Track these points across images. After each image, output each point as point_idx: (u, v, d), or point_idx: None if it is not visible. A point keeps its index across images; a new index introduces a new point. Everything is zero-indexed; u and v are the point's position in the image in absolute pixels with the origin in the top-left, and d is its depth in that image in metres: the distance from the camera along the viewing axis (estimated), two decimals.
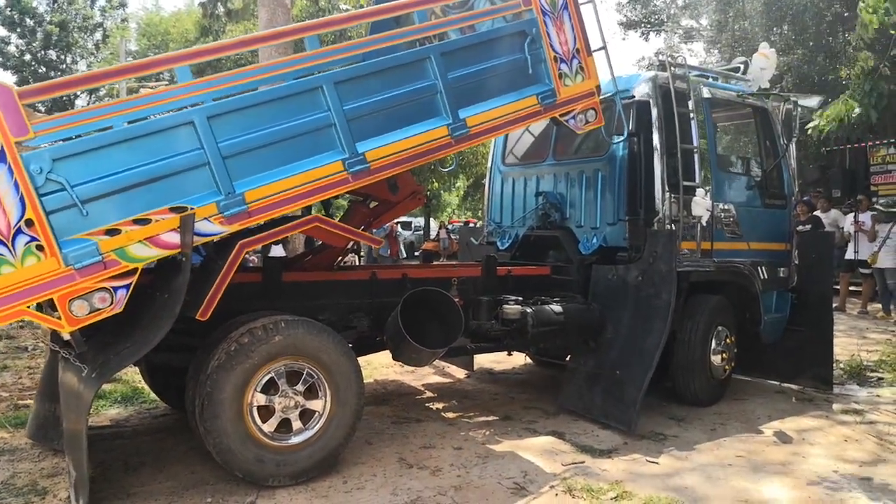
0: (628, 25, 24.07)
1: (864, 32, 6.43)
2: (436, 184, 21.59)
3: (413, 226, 28.54)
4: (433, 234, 26.55)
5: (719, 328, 5.83)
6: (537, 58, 4.66)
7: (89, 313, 3.36)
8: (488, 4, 4.87)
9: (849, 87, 5.16)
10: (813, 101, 6.88)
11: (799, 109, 6.18)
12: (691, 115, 5.64)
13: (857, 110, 5.09)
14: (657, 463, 4.50)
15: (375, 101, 4.10)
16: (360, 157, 4.00)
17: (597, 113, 4.92)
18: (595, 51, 4.94)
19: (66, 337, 3.56)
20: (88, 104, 27.01)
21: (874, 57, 5.21)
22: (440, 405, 5.86)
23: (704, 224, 5.59)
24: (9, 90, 3.23)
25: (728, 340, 5.89)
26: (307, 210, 4.26)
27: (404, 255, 19.09)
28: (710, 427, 5.29)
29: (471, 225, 21.78)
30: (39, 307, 3.42)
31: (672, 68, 5.63)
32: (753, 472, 4.38)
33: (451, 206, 36.08)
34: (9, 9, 29.73)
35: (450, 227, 26.31)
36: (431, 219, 29.29)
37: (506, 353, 6.17)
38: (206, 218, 3.59)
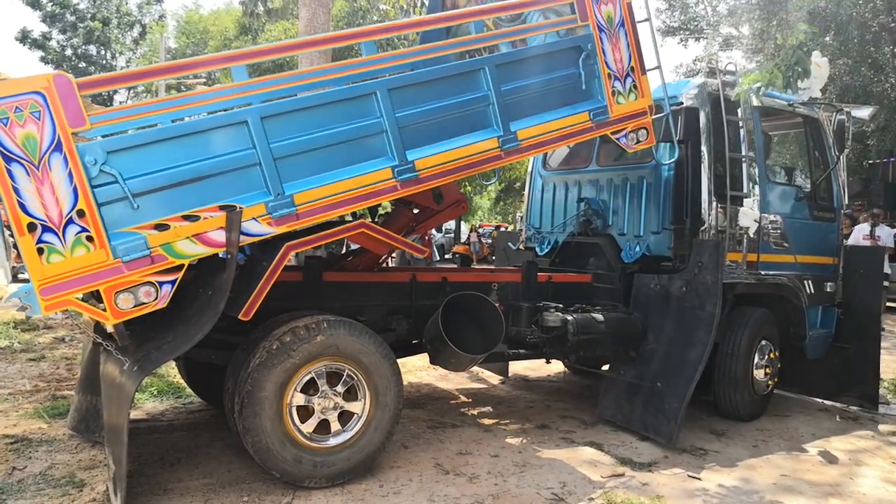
0: (666, 32, 23.78)
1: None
2: (468, 187, 21.53)
3: (444, 228, 28.48)
4: (464, 237, 26.49)
5: (763, 342, 5.68)
6: (591, 74, 4.60)
7: (134, 307, 3.37)
8: (542, 18, 4.81)
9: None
10: (865, 112, 6.69)
11: (852, 120, 5.99)
12: (740, 123, 5.51)
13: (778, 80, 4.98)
14: (699, 479, 4.38)
15: (427, 109, 4.06)
16: (410, 165, 3.96)
17: (648, 132, 4.83)
18: (649, 70, 4.86)
19: (110, 329, 3.58)
20: (127, 101, 27.57)
21: (810, 31, 5.13)
22: (475, 411, 5.79)
23: (751, 235, 5.45)
24: (69, 80, 3.26)
25: (772, 355, 5.74)
26: (353, 215, 4.23)
27: (437, 258, 19.07)
28: (752, 443, 5.15)
29: (502, 229, 21.68)
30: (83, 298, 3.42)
31: (722, 75, 5.51)
32: (799, 493, 4.24)
33: (481, 209, 35.98)
34: (50, 3, 30.41)
35: (480, 230, 26.22)
36: (462, 222, 29.26)
37: (540, 359, 6.06)
38: (254, 218, 3.58)
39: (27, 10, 31.91)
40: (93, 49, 32.35)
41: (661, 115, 5.00)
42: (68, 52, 31.76)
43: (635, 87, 4.74)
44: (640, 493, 4.09)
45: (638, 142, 4.82)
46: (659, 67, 5.00)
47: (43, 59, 31.06)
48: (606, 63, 4.62)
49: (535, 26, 4.78)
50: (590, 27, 4.59)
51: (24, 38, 30.50)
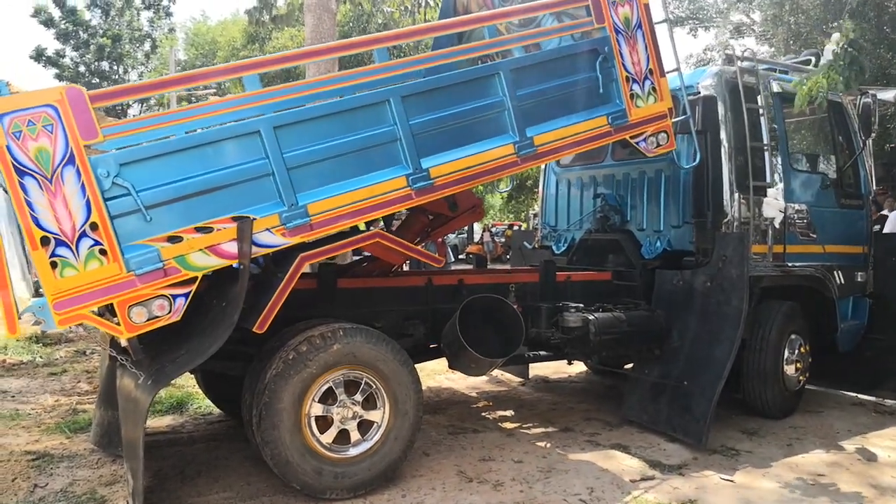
0: (675, 22, 23.49)
1: None
2: (480, 187, 21.41)
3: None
4: (476, 237, 26.37)
5: (793, 336, 5.52)
6: (609, 77, 4.49)
7: (148, 320, 3.32)
8: (556, 22, 4.71)
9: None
10: (890, 94, 6.47)
11: (877, 103, 5.80)
12: (761, 110, 5.36)
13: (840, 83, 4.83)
14: (732, 481, 4.24)
15: (441, 116, 3.98)
16: (425, 172, 3.88)
17: (668, 136, 4.71)
18: (669, 72, 4.75)
19: (124, 343, 3.54)
20: (139, 114, 27.79)
21: (857, 27, 4.94)
22: (497, 414, 5.68)
23: (777, 226, 5.29)
24: (81, 93, 3.23)
25: (802, 349, 5.57)
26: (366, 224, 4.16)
27: (452, 260, 18.96)
28: (785, 442, 4.99)
29: (515, 228, 21.51)
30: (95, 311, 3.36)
31: (740, 62, 5.36)
32: (840, 495, 4.09)
33: (493, 208, 35.80)
34: (63, 21, 30.74)
35: (493, 229, 26.06)
36: (479, 220, 29.09)
37: (562, 360, 5.94)
38: (267, 229, 3.52)
39: (41, 29, 32.21)
40: (105, 65, 32.63)
41: (682, 118, 4.87)
42: (81, 68, 32.04)
43: (654, 89, 4.62)
44: (671, 497, 3.96)
45: (658, 145, 4.70)
46: (678, 69, 4.89)
47: (58, 77, 31.34)
48: (624, 66, 4.52)
49: (550, 30, 4.69)
50: (606, 30, 4.49)
51: (38, 56, 30.83)
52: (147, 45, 34.06)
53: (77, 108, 3.19)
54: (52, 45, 32.69)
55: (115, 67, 33.23)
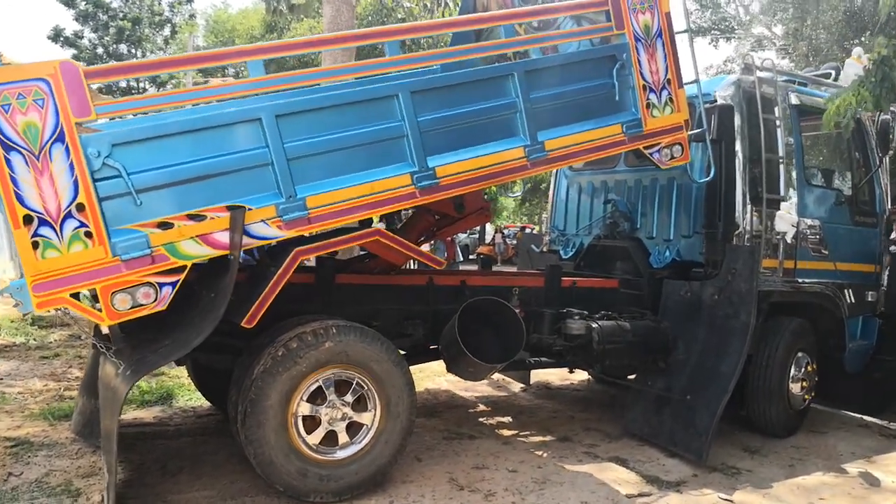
0: (696, 32, 23.25)
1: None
2: (493, 188, 21.28)
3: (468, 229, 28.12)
4: (488, 237, 26.23)
5: (800, 354, 5.36)
6: (625, 85, 4.38)
7: (131, 308, 3.21)
8: (575, 26, 4.61)
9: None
10: None
11: None
12: (778, 122, 5.20)
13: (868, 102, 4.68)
14: (731, 501, 4.09)
15: (451, 114, 3.87)
16: (430, 171, 3.76)
17: (683, 148, 4.58)
18: (687, 84, 4.63)
19: (105, 331, 3.43)
20: None
21: (889, 44, 4.75)
22: (494, 421, 5.55)
23: (788, 241, 5.14)
24: (75, 68, 3.12)
25: (809, 368, 5.41)
26: (368, 221, 4.05)
27: (461, 259, 18.82)
28: (787, 462, 4.83)
29: (527, 230, 21.36)
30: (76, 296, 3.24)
31: (758, 72, 5.20)
32: None
33: (506, 209, 35.65)
34: (84, 2, 30.79)
35: (505, 231, 25.94)
36: (487, 222, 28.91)
37: (563, 368, 5.80)
38: (263, 220, 3.41)
39: (61, 9, 32.31)
40: (124, 48, 32.65)
41: (697, 130, 4.73)
42: (100, 50, 32.06)
43: (671, 100, 4.51)
44: None
45: (672, 157, 4.59)
46: (697, 81, 4.76)
47: (75, 57, 31.40)
48: (642, 74, 4.40)
49: (568, 33, 4.59)
50: (626, 36, 4.38)
51: (56, 36, 30.89)
52: (167, 30, 34.02)
53: (70, 83, 3.08)
54: (71, 25, 32.64)
55: (134, 51, 33.18)
